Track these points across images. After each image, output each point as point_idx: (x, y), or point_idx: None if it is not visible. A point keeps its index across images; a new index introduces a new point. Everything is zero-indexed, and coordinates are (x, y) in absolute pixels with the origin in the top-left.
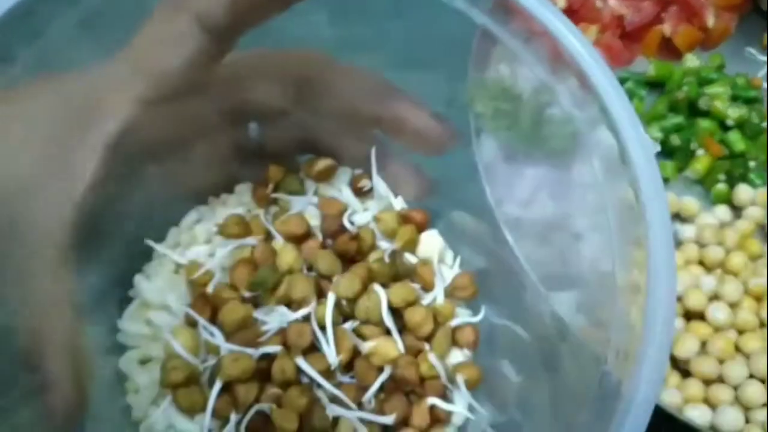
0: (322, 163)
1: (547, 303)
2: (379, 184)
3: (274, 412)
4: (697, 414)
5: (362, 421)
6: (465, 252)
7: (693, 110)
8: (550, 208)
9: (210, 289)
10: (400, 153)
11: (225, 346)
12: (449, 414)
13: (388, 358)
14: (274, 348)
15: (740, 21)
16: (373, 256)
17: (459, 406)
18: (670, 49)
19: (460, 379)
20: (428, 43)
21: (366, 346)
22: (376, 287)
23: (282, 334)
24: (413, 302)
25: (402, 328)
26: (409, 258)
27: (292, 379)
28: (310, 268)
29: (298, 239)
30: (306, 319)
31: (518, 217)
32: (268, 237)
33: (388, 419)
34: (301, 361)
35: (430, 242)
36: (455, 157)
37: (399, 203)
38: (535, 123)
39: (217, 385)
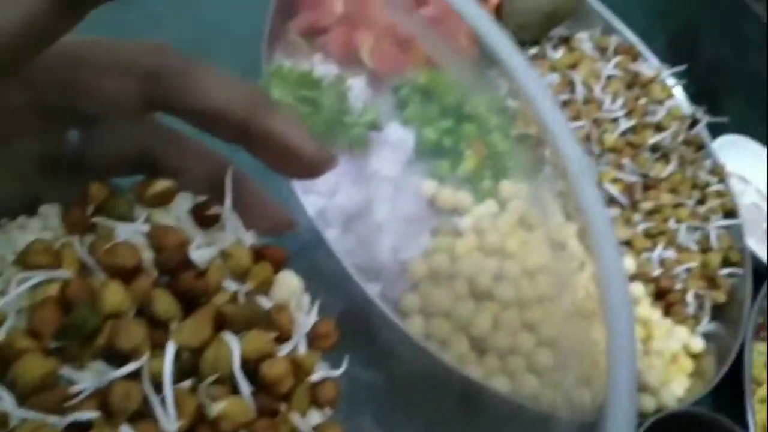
0: (161, 185)
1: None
2: (232, 214)
3: None
4: (499, 384)
5: None
6: (319, 296)
7: (459, 115)
8: (353, 196)
9: (0, 335)
10: (251, 181)
11: (18, 414)
12: None
13: (242, 421)
14: (89, 414)
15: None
16: (220, 298)
17: None
18: (435, 60)
19: None
20: (212, 39)
21: (214, 409)
22: (227, 336)
23: (99, 396)
24: (269, 354)
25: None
26: (263, 302)
27: None
28: (139, 312)
29: (127, 275)
30: (133, 376)
31: (324, 206)
32: (83, 272)
33: None
34: (126, 430)
35: (287, 284)
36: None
37: (250, 239)
38: (336, 111)
39: None
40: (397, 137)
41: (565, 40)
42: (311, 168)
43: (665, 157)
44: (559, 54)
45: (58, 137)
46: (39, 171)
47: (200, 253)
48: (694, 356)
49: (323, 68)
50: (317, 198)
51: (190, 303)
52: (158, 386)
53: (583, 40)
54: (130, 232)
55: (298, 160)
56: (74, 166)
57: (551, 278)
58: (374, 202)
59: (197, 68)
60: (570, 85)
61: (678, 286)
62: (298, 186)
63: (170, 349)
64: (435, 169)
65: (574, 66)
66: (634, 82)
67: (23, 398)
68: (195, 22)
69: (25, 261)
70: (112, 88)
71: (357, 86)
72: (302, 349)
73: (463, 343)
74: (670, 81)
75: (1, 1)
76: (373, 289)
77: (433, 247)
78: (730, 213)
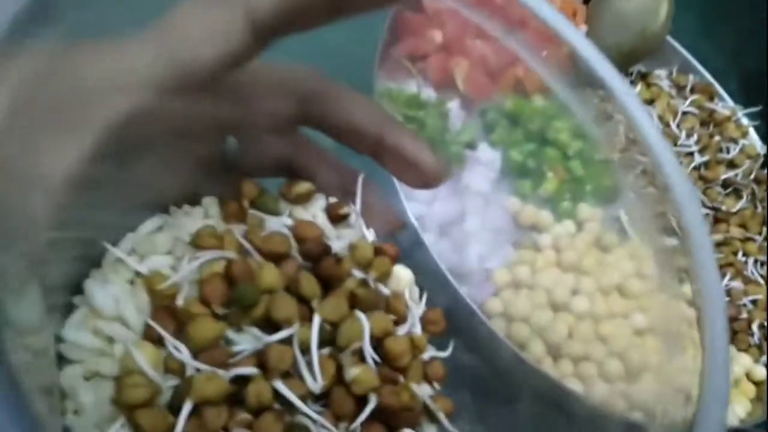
0: (303, 186)
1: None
2: (357, 214)
3: None
4: (573, 386)
5: None
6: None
7: (543, 140)
8: (449, 206)
9: (179, 301)
10: (373, 187)
11: (193, 365)
12: None
13: (371, 386)
14: (251, 370)
15: None
16: (351, 283)
17: None
18: (521, 88)
19: (438, 409)
20: (327, 60)
21: (351, 373)
22: (359, 313)
23: (255, 357)
24: (390, 332)
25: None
26: (382, 290)
27: (268, 403)
28: (286, 290)
29: (278, 259)
30: (284, 341)
31: (423, 213)
32: (242, 254)
33: None
34: (280, 385)
35: (402, 276)
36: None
37: (371, 235)
38: (438, 130)
39: (188, 406)
40: (488, 157)
41: (643, 76)
42: (432, 179)
43: (736, 193)
44: (637, 89)
45: (219, 143)
46: (201, 169)
47: (336, 245)
48: (756, 383)
49: (422, 91)
50: (418, 205)
51: (325, 285)
52: (304, 352)
53: (661, 77)
54: (278, 224)
55: (421, 172)
56: (229, 167)
57: (624, 297)
58: (466, 213)
59: (343, 91)
60: None
61: (743, 315)
62: (402, 192)
63: (317, 321)
64: (519, 187)
65: (651, 101)
66: (709, 119)
67: (195, 354)
68: (314, 45)
69: (196, 242)
70: (273, 105)
71: (452, 108)
72: (417, 330)
73: (539, 347)
74: (744, 121)
75: (211, 37)
76: (462, 291)
77: (515, 259)
78: None
